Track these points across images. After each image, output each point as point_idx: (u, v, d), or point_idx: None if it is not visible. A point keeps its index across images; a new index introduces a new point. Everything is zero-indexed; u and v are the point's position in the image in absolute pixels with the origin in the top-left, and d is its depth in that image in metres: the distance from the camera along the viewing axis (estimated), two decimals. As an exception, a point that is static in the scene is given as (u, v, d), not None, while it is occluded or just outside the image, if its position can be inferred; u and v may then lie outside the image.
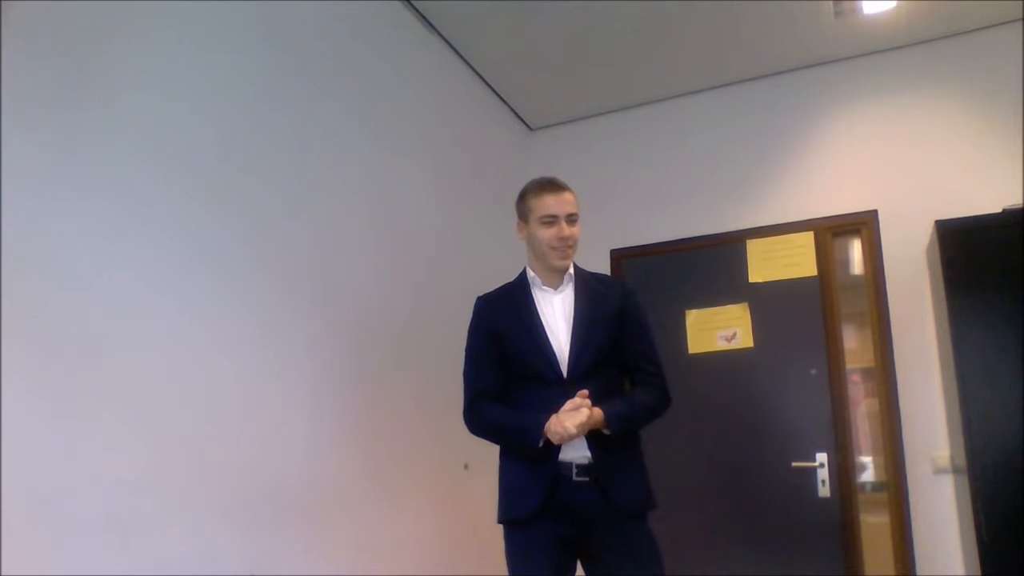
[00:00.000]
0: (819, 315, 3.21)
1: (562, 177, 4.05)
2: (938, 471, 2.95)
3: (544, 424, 1.85)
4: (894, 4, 3.07)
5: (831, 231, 3.33)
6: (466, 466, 3.05)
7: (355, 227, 2.60)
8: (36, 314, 1.55)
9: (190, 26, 2.01)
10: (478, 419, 2.05)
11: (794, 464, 3.11)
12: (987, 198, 2.92)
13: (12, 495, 1.45)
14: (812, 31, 3.26)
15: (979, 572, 2.63)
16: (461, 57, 3.40)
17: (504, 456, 2.06)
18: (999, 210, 2.84)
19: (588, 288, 2.06)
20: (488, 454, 3.45)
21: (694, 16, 3.14)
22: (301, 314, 2.30)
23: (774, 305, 3.31)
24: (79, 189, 1.67)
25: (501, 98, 3.78)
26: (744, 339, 3.33)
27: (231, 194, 2.10)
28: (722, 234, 3.51)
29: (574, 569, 1.96)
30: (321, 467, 2.31)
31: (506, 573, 1.98)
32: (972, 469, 2.68)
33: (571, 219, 2.03)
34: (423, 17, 3.10)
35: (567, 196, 2.05)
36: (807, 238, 3.32)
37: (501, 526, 2.01)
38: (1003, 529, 2.56)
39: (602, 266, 3.69)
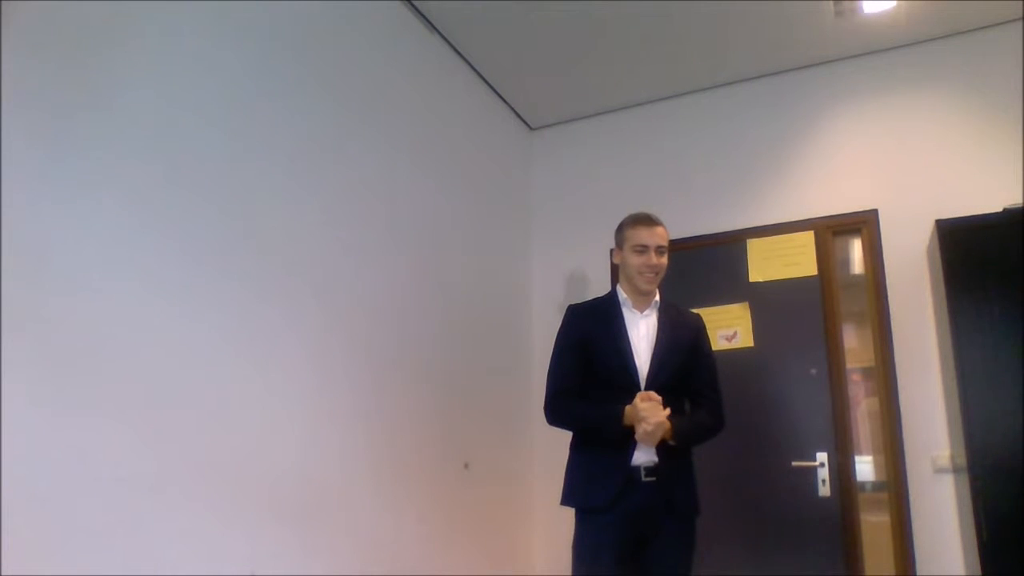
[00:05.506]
0: (819, 314, 3.21)
1: (562, 176, 4.06)
2: (938, 471, 2.95)
3: (622, 412, 2.10)
4: (894, 4, 3.07)
5: (831, 230, 3.32)
6: (466, 466, 3.05)
7: (356, 226, 2.60)
8: (36, 315, 1.55)
9: (191, 26, 2.01)
10: (559, 411, 2.28)
11: (794, 464, 3.11)
12: (988, 198, 2.92)
13: (12, 495, 1.45)
14: (812, 31, 3.25)
15: (979, 572, 2.63)
16: (461, 57, 3.40)
17: (577, 450, 2.28)
18: (1000, 209, 2.84)
19: (669, 317, 2.32)
20: (488, 454, 3.45)
21: (694, 16, 3.14)
22: (302, 314, 2.30)
23: (774, 305, 3.31)
24: (79, 189, 1.67)
25: (501, 98, 3.78)
26: (744, 339, 3.33)
27: (232, 194, 2.10)
28: (722, 233, 3.50)
29: (634, 557, 2.17)
30: (321, 467, 2.31)
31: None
32: (972, 469, 2.68)
33: (660, 250, 2.27)
34: (423, 17, 3.10)
35: (659, 230, 2.29)
36: (807, 237, 3.32)
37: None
38: (1003, 529, 2.56)
39: (601, 265, 3.69)
